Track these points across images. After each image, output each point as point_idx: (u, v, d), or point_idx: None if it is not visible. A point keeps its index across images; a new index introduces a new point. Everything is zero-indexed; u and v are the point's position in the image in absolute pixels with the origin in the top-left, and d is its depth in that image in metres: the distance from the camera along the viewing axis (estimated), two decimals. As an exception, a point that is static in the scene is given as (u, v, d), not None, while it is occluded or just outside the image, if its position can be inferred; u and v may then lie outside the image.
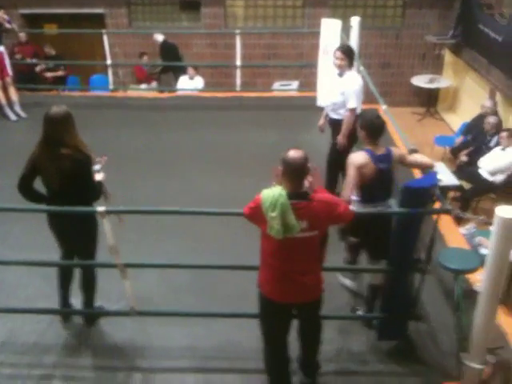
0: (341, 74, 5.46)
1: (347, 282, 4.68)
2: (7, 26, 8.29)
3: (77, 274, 4.23)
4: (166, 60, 10.01)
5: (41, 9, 10.94)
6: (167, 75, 10.33)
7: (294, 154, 3.14)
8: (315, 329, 3.62)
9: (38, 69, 10.01)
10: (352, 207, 3.90)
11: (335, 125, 5.58)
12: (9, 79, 8.20)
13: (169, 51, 9.93)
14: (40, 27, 10.96)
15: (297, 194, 3.17)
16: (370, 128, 3.97)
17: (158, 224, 5.08)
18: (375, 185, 3.95)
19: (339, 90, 5.44)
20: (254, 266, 3.50)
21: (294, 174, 3.16)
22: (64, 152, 3.71)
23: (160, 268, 4.50)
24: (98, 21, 10.88)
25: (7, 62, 8.21)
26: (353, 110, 5.37)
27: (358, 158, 3.95)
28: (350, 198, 3.94)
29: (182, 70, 9.80)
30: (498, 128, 7.75)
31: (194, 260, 4.58)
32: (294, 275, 3.29)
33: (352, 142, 5.24)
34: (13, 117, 8.19)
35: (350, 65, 5.44)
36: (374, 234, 3.96)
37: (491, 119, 7.79)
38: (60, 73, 10.29)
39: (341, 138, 5.46)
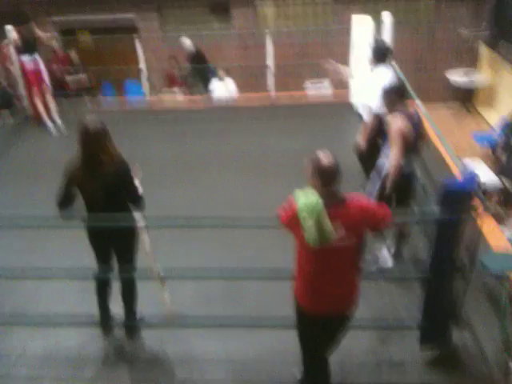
0: (371, 70, 5.40)
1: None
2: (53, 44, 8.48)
3: (115, 285, 4.23)
4: (195, 69, 9.95)
5: (74, 16, 11.07)
6: (195, 79, 10.31)
7: (325, 159, 3.04)
8: (339, 340, 3.50)
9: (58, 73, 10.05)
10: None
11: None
12: (47, 89, 8.28)
13: (201, 61, 9.86)
14: (73, 35, 11.13)
15: (333, 201, 3.08)
16: (398, 91, 4.33)
17: (190, 233, 5.05)
18: (411, 142, 4.26)
19: (370, 87, 5.32)
20: (287, 276, 3.43)
21: (329, 179, 3.06)
22: (106, 168, 3.70)
23: (196, 277, 4.49)
24: (130, 28, 10.96)
25: (44, 71, 8.28)
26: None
27: (399, 122, 4.21)
28: (400, 163, 4.21)
29: (209, 77, 9.79)
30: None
31: (226, 270, 4.54)
32: (329, 287, 3.21)
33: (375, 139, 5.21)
34: (53, 131, 8.21)
35: (379, 61, 5.32)
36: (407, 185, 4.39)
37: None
38: (82, 77, 10.35)
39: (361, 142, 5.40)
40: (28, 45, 8.00)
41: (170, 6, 11.29)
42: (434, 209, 3.81)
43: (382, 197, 4.43)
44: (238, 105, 9.23)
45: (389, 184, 4.37)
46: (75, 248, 4.56)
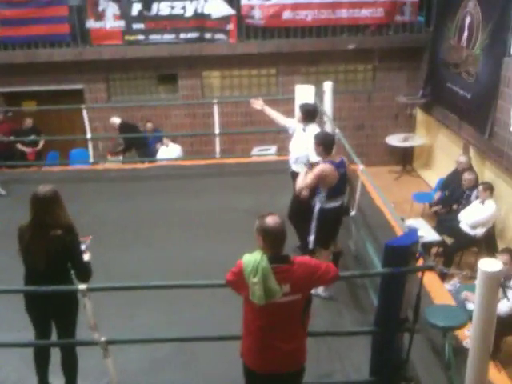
0: (304, 129, 5.86)
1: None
2: None
3: (54, 354, 4.07)
4: (127, 139, 10.06)
5: (20, 87, 11.10)
6: (131, 153, 10.40)
7: (271, 221, 3.14)
8: None
9: (19, 146, 10.02)
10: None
11: (295, 177, 5.68)
12: None
13: (129, 131, 9.95)
14: (19, 105, 11.12)
15: (277, 258, 3.16)
16: (326, 143, 5.06)
17: (136, 295, 4.96)
18: (338, 185, 5.06)
19: (303, 144, 5.78)
20: (237, 336, 3.41)
21: (275, 240, 3.16)
22: (54, 233, 3.66)
23: (140, 343, 4.37)
24: (77, 96, 11.07)
25: None
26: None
27: (325, 167, 4.97)
28: (304, 188, 5.10)
29: (145, 146, 9.99)
30: (475, 182, 7.90)
31: (174, 332, 4.48)
32: (277, 343, 3.21)
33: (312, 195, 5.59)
34: (1, 191, 8.01)
35: (308, 120, 5.84)
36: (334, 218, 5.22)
37: (468, 176, 7.95)
38: (40, 144, 10.36)
39: (304, 192, 5.54)
40: None
41: (117, 78, 11.51)
42: (378, 264, 3.94)
43: (321, 230, 5.17)
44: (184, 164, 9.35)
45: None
46: (12, 317, 4.39)
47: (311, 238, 5.20)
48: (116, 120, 10.10)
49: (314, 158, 5.53)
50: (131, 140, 10.04)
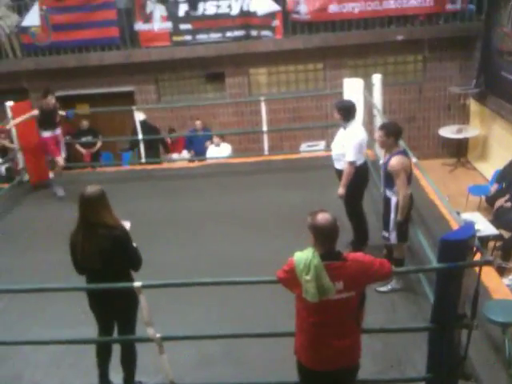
0: (344, 127, 5.70)
1: (385, 288, 5.15)
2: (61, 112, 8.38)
3: (115, 349, 4.18)
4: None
5: (73, 90, 11.43)
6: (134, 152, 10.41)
7: (322, 218, 3.11)
8: None
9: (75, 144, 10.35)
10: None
11: (340, 175, 5.70)
12: (60, 159, 8.22)
13: (148, 132, 9.57)
14: (73, 107, 11.44)
15: (330, 255, 3.12)
16: (397, 131, 4.97)
17: (187, 292, 5.01)
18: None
19: (341, 142, 5.68)
20: (289, 332, 3.39)
21: (327, 237, 3.13)
22: (102, 232, 3.76)
23: (193, 339, 4.42)
24: (128, 98, 11.31)
25: (62, 144, 8.38)
26: (351, 163, 5.54)
27: (402, 161, 4.84)
28: (408, 194, 4.89)
29: (156, 149, 10.03)
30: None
31: (227, 328, 4.50)
32: (330, 340, 3.18)
33: (355, 190, 5.65)
34: (61, 192, 8.20)
35: (348, 119, 5.64)
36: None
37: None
38: (97, 145, 10.73)
39: (340, 190, 5.63)
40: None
41: (166, 79, 11.69)
42: (433, 259, 3.84)
43: (401, 226, 5.01)
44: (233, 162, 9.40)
45: (402, 213, 4.94)
46: (73, 314, 4.53)
47: (393, 234, 5.05)
48: (140, 116, 9.62)
49: (350, 157, 5.50)
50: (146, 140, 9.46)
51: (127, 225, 4.00)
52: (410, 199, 4.97)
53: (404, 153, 5.01)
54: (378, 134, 5.16)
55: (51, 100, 8.02)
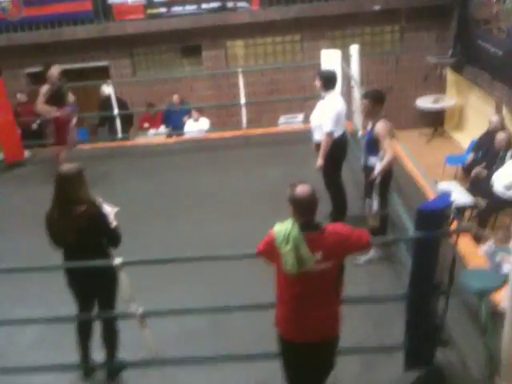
0: (323, 97, 5.67)
1: (365, 257, 5.17)
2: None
3: (96, 327, 4.18)
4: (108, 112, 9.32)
5: (46, 66, 11.17)
6: (103, 128, 10.23)
7: (301, 190, 3.12)
8: (329, 366, 3.49)
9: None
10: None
11: (319, 146, 5.67)
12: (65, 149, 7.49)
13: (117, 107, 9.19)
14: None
15: (309, 226, 3.14)
16: (382, 98, 5.04)
17: (168, 269, 5.03)
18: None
19: (320, 112, 5.65)
20: (270, 303, 3.43)
21: (306, 208, 3.14)
22: (79, 209, 3.73)
23: (175, 314, 4.44)
24: (103, 73, 11.11)
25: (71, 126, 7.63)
26: (329, 134, 5.50)
27: (388, 126, 4.86)
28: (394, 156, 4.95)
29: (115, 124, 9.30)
30: (509, 142, 7.69)
31: (209, 303, 4.53)
32: (311, 311, 3.22)
33: (333, 163, 5.61)
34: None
35: (328, 88, 5.60)
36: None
37: (501, 136, 7.73)
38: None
39: (319, 161, 5.61)
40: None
41: (142, 53, 11.50)
42: (412, 228, 3.89)
43: (383, 189, 5.04)
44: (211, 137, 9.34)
45: (381, 172, 4.94)
46: (55, 294, 4.51)
47: (375, 201, 5.04)
48: (106, 89, 9.52)
49: (328, 127, 5.47)
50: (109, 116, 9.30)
51: (114, 210, 3.96)
52: (389, 170, 5.01)
53: (385, 119, 5.01)
54: (362, 103, 5.16)
55: (56, 70, 7.37)
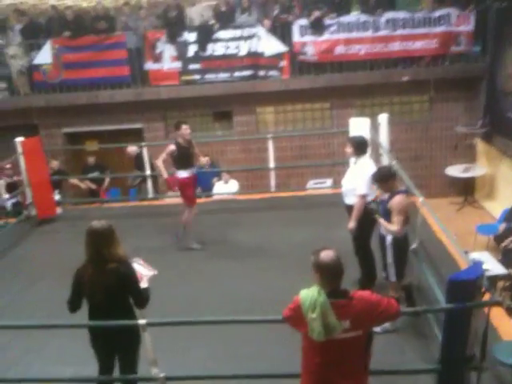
0: (354, 162, 5.77)
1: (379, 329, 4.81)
2: None
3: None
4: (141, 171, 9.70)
5: (83, 127, 11.59)
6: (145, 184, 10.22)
7: (325, 256, 3.10)
8: None
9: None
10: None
11: (350, 210, 5.68)
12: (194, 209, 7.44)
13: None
14: (82, 144, 11.59)
15: (336, 293, 3.09)
16: (393, 175, 5.08)
17: (192, 330, 4.94)
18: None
19: (352, 176, 5.72)
20: (294, 374, 3.34)
21: (331, 275, 3.10)
22: (110, 267, 3.76)
23: (198, 380, 4.35)
24: (137, 135, 11.44)
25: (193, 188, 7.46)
26: (362, 196, 5.52)
27: (404, 202, 4.86)
28: (399, 232, 4.85)
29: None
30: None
31: (230, 367, 4.42)
32: (337, 380, 3.12)
33: (365, 226, 5.56)
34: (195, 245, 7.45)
35: (359, 154, 5.69)
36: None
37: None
38: (106, 181, 10.65)
39: (351, 223, 5.61)
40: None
41: (175, 116, 11.83)
42: (441, 299, 3.80)
43: (399, 260, 5.00)
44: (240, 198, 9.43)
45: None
46: (77, 351, 4.48)
47: (391, 270, 5.02)
48: (133, 149, 9.89)
49: (362, 190, 5.52)
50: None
51: (151, 272, 3.99)
52: (404, 240, 5.03)
53: (405, 192, 5.04)
54: (375, 186, 5.26)
55: (186, 130, 7.12)
